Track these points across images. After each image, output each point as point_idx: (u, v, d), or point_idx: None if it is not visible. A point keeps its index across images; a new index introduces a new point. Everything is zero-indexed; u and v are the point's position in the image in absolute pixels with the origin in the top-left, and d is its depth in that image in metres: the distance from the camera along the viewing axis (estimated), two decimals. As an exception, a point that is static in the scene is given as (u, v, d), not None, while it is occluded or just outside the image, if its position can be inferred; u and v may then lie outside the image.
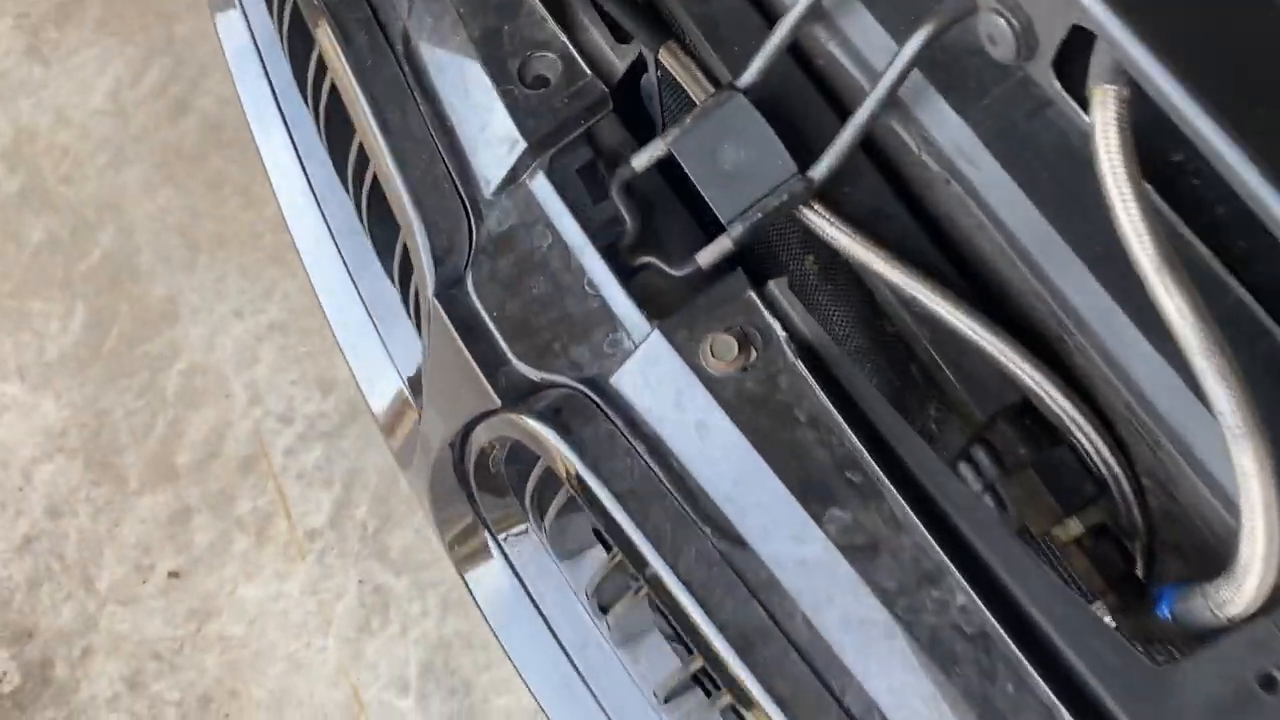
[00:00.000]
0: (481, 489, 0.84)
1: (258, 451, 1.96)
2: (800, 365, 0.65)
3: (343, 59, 0.78)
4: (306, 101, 0.89)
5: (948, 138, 0.67)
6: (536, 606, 0.82)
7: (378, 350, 1.00)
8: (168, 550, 1.93)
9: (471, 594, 0.88)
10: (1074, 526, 0.67)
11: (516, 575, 0.82)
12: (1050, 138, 0.66)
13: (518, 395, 0.72)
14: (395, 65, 0.78)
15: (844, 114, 0.70)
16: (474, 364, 0.73)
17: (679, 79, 0.78)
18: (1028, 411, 0.70)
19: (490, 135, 0.74)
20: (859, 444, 0.63)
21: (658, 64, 0.78)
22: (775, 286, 0.68)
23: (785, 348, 0.66)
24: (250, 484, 1.95)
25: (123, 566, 1.92)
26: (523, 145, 0.73)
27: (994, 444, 0.70)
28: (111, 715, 1.88)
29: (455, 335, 0.73)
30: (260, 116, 1.03)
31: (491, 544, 0.85)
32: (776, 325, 0.66)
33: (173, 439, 1.98)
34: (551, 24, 0.74)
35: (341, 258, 0.99)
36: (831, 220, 0.71)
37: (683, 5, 0.76)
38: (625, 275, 0.72)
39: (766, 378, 0.66)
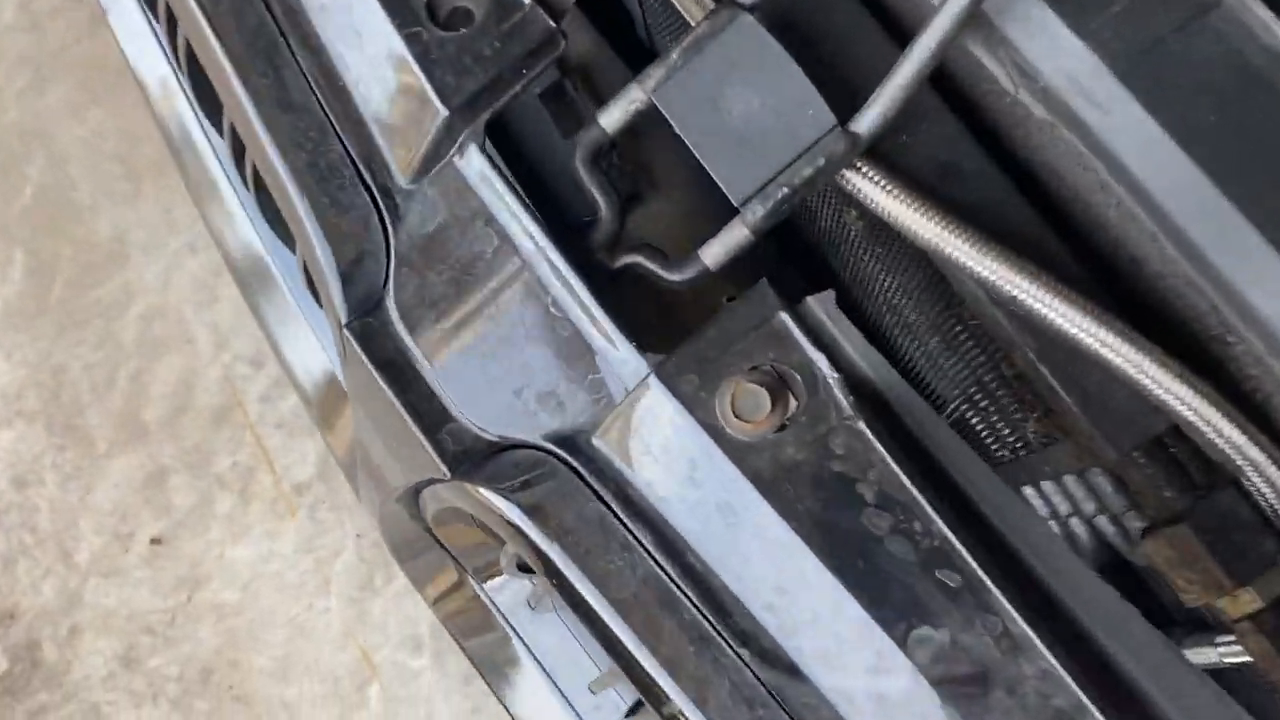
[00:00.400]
0: (453, 540, 0.65)
1: (230, 401, 1.79)
2: (862, 421, 0.45)
3: (192, 5, 0.55)
4: (174, 68, 0.67)
5: (1057, 66, 0.45)
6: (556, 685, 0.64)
7: (300, 324, 0.81)
8: (146, 515, 1.77)
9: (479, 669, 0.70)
10: (1248, 600, 0.48)
11: (527, 648, 0.64)
12: (1214, 57, 0.44)
13: (470, 459, 0.53)
14: (261, 6, 0.56)
15: (900, 37, 0.48)
16: (408, 420, 0.53)
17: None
18: (1178, 442, 0.50)
19: (398, 100, 0.53)
20: (951, 531, 0.44)
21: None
22: (818, 304, 0.47)
23: (838, 395, 0.46)
24: (226, 437, 1.78)
25: (101, 536, 1.77)
26: (443, 113, 0.51)
27: (1129, 484, 0.51)
28: (109, 695, 1.76)
29: (380, 382, 0.53)
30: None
31: (480, 595, 0.67)
32: (822, 362, 0.46)
33: (137, 393, 1.80)
34: (468, -69, 0.51)
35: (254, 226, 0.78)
36: (888, 186, 0.50)
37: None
38: (602, 286, 0.52)
39: (814, 439, 0.46)
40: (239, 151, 0.62)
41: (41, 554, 1.74)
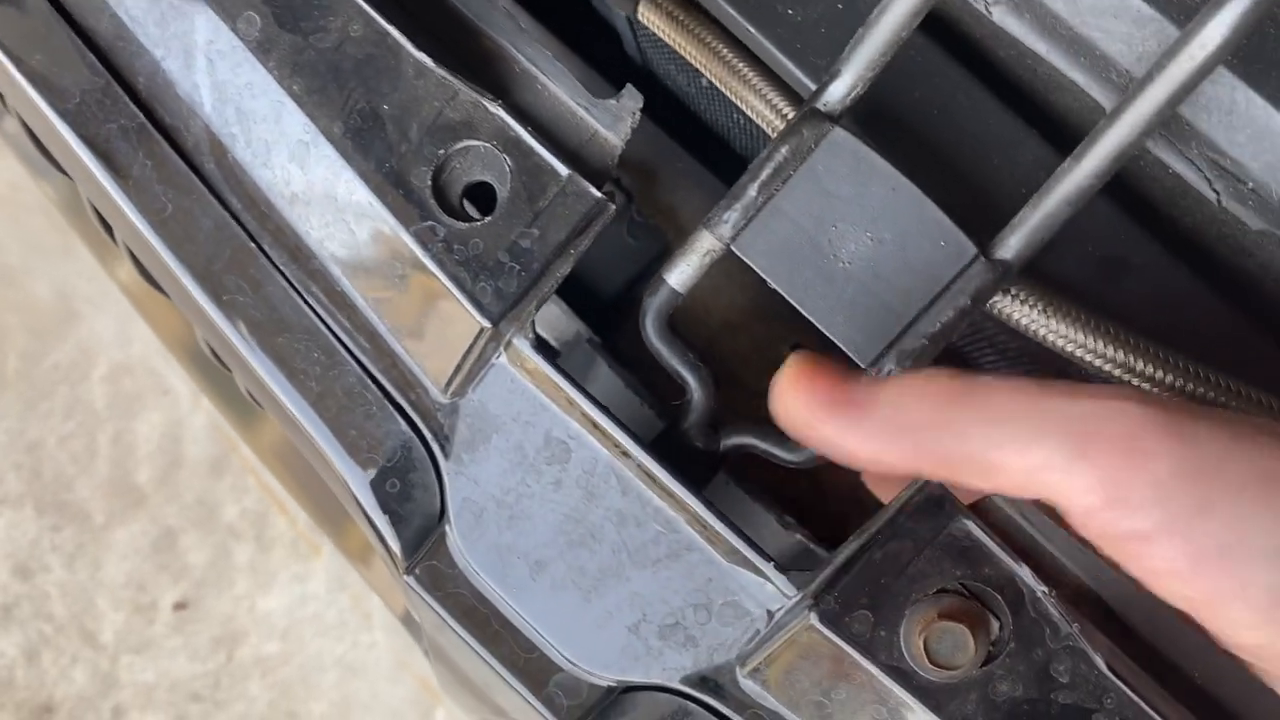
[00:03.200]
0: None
1: (224, 447, 1.69)
2: (1085, 642, 0.36)
3: (131, 211, 0.44)
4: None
5: (1269, 163, 0.35)
6: None
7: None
8: (164, 581, 1.69)
9: None
10: None
11: None
12: None
13: (586, 713, 0.44)
14: (217, 206, 0.44)
15: (1026, 108, 0.37)
16: (508, 678, 0.44)
17: (722, 87, 0.44)
18: None
19: (420, 311, 0.42)
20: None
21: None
22: (1008, 501, 0.38)
23: (1051, 611, 0.37)
24: (228, 485, 1.69)
25: (121, 612, 1.69)
26: (485, 327, 0.40)
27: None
28: (170, 768, 1.71)
29: (467, 637, 0.44)
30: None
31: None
32: (1028, 575, 0.37)
33: (123, 457, 1.70)
34: (466, 87, 0.40)
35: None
36: (1046, 307, 0.40)
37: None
38: (700, 481, 0.42)
39: (1030, 670, 0.37)
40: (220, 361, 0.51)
41: (64, 641, 1.66)
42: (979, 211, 0.40)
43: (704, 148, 0.71)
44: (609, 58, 0.69)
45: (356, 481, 0.44)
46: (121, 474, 1.68)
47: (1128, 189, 0.42)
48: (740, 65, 0.46)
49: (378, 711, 1.61)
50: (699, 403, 0.43)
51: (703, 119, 0.69)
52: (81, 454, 1.69)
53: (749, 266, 0.42)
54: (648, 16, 0.50)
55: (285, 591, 1.65)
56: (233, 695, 1.65)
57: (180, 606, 1.67)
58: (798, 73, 0.42)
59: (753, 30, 0.43)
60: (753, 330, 0.72)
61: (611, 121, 0.39)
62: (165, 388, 1.67)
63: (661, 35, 0.49)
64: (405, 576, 0.45)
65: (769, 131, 0.44)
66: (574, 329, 0.65)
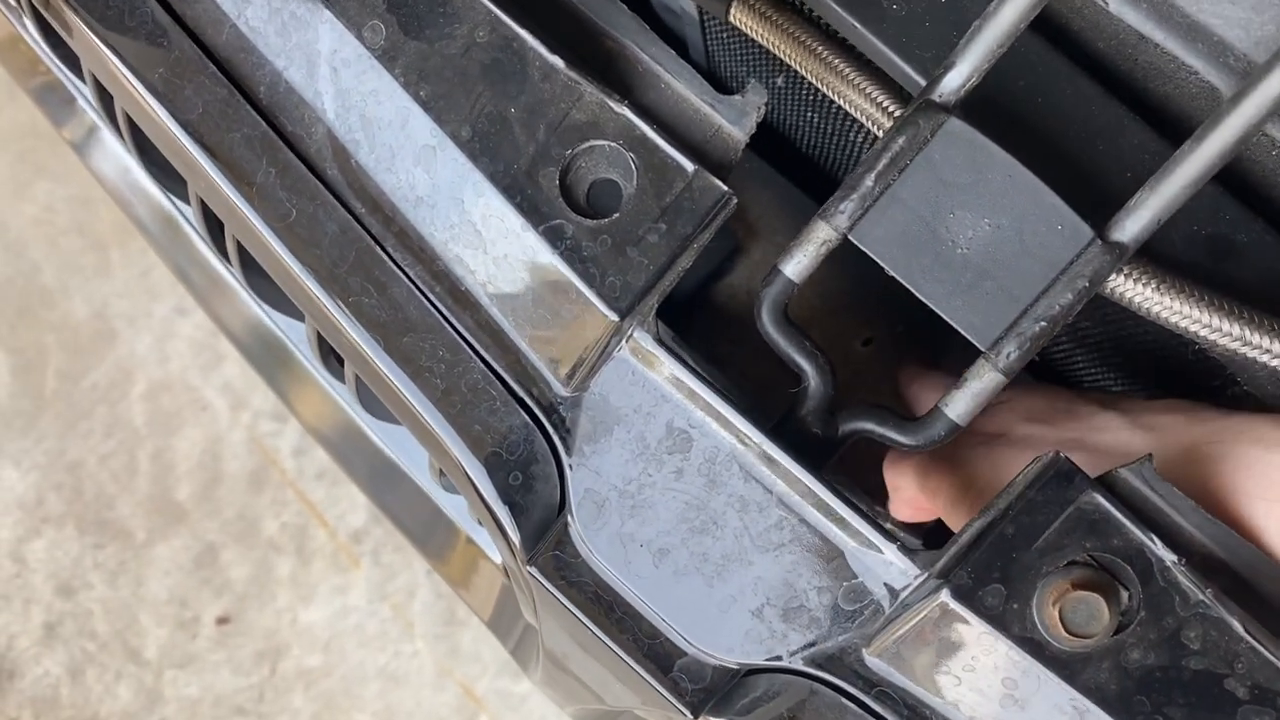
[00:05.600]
0: None
1: (263, 461, 1.70)
2: (1220, 607, 0.37)
3: (254, 217, 0.45)
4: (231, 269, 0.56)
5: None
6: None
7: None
8: (206, 596, 1.70)
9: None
10: None
11: None
12: None
13: (712, 695, 0.45)
14: (341, 210, 0.45)
15: (1133, 97, 0.38)
16: (634, 665, 0.45)
17: (819, 84, 0.45)
18: None
19: (547, 307, 0.43)
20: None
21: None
22: (1133, 474, 0.39)
23: (1182, 580, 0.38)
24: (268, 500, 1.70)
25: (164, 627, 1.70)
26: (613, 319, 0.41)
27: None
28: (216, 783, 1.71)
29: (593, 627, 0.45)
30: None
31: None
32: (1158, 545, 0.38)
33: (163, 474, 1.71)
34: (592, 88, 0.41)
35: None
36: (1160, 285, 0.41)
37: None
38: (818, 466, 0.43)
39: (1162, 638, 0.38)
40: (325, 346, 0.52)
41: (108, 658, 1.67)
42: (1086, 195, 0.41)
43: (772, 150, 0.72)
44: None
45: (478, 474, 0.45)
46: (162, 491, 1.69)
47: (1227, 168, 0.43)
48: (837, 62, 0.48)
49: (422, 720, 1.62)
50: (816, 390, 0.45)
51: (771, 121, 0.70)
52: (122, 472, 1.70)
53: (821, 263, 0.43)
54: (739, 17, 0.51)
55: (326, 604, 1.66)
56: (277, 708, 1.66)
57: (223, 621, 1.68)
58: (904, 66, 0.44)
59: (858, 25, 0.44)
60: (823, 325, 0.73)
61: (737, 117, 0.41)
62: (204, 404, 1.69)
63: (754, 35, 0.51)
64: (527, 567, 0.46)
65: (869, 125, 0.46)
66: (650, 328, 0.66)
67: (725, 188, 0.40)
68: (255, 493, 1.68)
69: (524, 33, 0.40)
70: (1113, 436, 0.42)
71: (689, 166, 0.40)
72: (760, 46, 0.53)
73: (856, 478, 0.60)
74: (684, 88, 0.41)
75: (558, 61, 0.40)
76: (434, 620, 1.64)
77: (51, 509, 1.70)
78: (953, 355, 0.51)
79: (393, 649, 1.64)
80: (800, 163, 0.73)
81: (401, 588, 1.65)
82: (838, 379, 0.45)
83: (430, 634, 1.63)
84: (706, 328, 0.72)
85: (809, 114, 0.63)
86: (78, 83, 0.60)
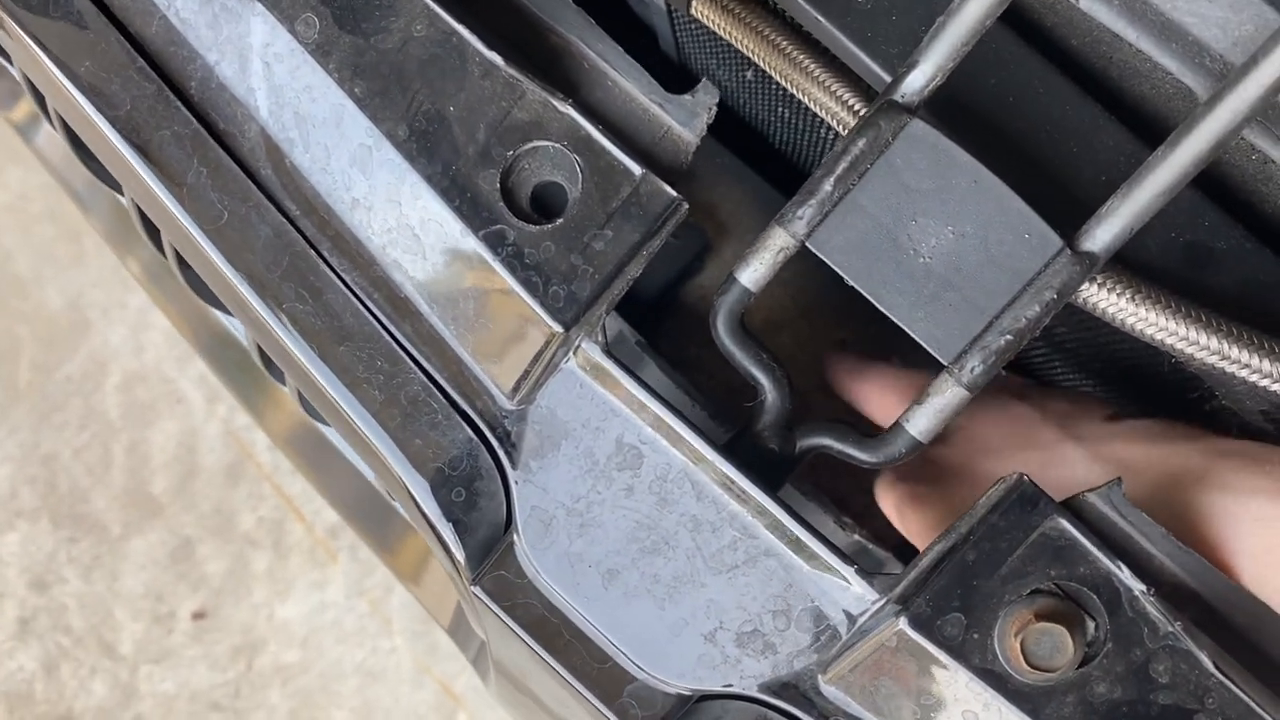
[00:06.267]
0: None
1: (239, 455, 1.68)
2: (1189, 640, 0.36)
3: (185, 219, 0.43)
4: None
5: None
6: None
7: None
8: (182, 591, 1.68)
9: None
10: None
11: None
12: None
13: (668, 720, 0.43)
14: (274, 212, 0.43)
15: (1106, 94, 0.36)
16: (581, 690, 0.43)
17: (783, 80, 0.43)
18: None
19: (489, 317, 0.41)
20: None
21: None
22: (1100, 498, 0.37)
23: (1150, 610, 0.36)
24: (244, 494, 1.68)
25: (140, 622, 1.68)
26: (558, 331, 0.39)
27: None
28: (192, 779, 1.70)
29: (537, 649, 0.43)
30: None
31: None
32: (1126, 575, 0.36)
33: (138, 467, 1.69)
34: (535, 86, 0.39)
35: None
36: (1135, 294, 0.39)
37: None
38: (775, 485, 0.41)
39: (1129, 670, 0.36)
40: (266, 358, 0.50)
41: (83, 653, 1.65)
42: (1057, 201, 0.39)
43: (744, 144, 0.70)
44: (640, 56, 0.68)
45: (420, 490, 0.43)
46: (137, 484, 1.67)
47: (1205, 172, 0.41)
48: (801, 57, 0.45)
49: (399, 717, 1.60)
50: (773, 404, 0.42)
51: (742, 115, 0.68)
52: (96, 465, 1.68)
53: (791, 263, 0.41)
54: (701, 10, 0.49)
55: (303, 599, 1.64)
56: (253, 704, 1.64)
57: (199, 616, 1.66)
58: (869, 62, 0.41)
59: (820, 19, 0.42)
60: (796, 327, 0.71)
61: (687, 118, 0.38)
62: (179, 396, 1.66)
63: (716, 29, 0.48)
64: (472, 587, 0.44)
65: (833, 124, 0.44)
66: (615, 329, 0.64)
67: (674, 193, 0.38)
68: (231, 486, 1.66)
69: (461, 28, 0.38)
70: (1070, 471, 0.40)
71: (636, 170, 0.38)
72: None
73: (826, 484, 0.58)
74: (632, 86, 0.39)
75: (496, 58, 0.38)
76: (412, 617, 1.62)
77: (25, 502, 1.68)
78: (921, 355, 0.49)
79: (370, 645, 1.62)
80: (773, 158, 0.71)
81: (379, 583, 1.63)
82: (795, 392, 0.43)
83: (408, 630, 1.61)
84: (675, 329, 0.70)
85: (780, 109, 0.61)
86: (10, 68, 0.57)
